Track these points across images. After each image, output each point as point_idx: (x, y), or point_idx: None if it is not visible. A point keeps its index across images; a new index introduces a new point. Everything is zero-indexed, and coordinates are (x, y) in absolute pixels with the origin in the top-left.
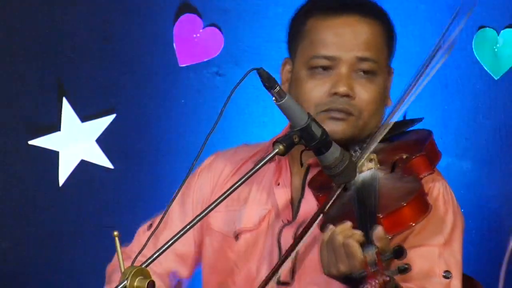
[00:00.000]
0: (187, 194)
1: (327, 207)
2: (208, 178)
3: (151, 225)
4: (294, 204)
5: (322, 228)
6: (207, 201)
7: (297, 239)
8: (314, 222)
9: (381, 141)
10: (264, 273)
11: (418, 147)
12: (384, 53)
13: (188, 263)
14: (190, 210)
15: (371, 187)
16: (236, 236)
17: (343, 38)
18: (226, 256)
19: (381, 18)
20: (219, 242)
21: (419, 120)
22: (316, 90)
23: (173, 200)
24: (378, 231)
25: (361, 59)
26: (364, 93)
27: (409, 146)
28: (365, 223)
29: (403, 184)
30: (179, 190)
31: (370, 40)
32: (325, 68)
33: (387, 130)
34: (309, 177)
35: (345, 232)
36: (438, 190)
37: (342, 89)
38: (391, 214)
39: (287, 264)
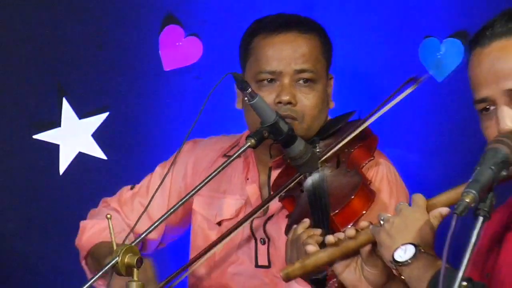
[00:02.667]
0: (168, 169)
1: (283, 191)
2: (190, 156)
3: (133, 186)
4: (264, 199)
5: (286, 231)
6: (184, 177)
7: (250, 214)
8: (267, 203)
9: (323, 139)
10: (242, 258)
11: (356, 139)
12: (321, 63)
13: (159, 229)
14: (168, 183)
15: (320, 188)
16: (219, 223)
17: (283, 54)
18: (209, 239)
19: (317, 33)
20: (203, 225)
21: (352, 113)
22: (262, 94)
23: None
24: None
25: (300, 71)
26: (305, 99)
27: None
28: (320, 223)
29: (348, 179)
30: (165, 175)
31: (307, 53)
32: (270, 80)
33: (357, 131)
34: (272, 176)
35: (307, 232)
36: (382, 173)
37: (284, 98)
38: (342, 210)
39: (264, 250)
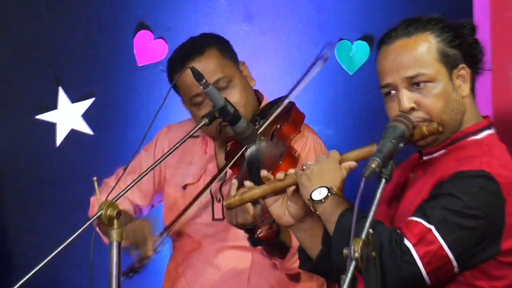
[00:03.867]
0: (150, 151)
1: (232, 163)
2: (165, 141)
3: (126, 167)
4: (219, 167)
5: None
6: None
7: (213, 179)
8: (224, 170)
9: (263, 118)
10: (203, 216)
11: (286, 117)
12: (228, 66)
13: (148, 197)
14: (152, 161)
15: (256, 156)
16: (184, 187)
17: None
18: (177, 202)
19: (214, 47)
20: (172, 189)
21: (285, 97)
22: (201, 113)
23: (136, 153)
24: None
25: (217, 81)
26: (232, 98)
27: (281, 118)
28: (255, 183)
29: (277, 149)
30: (139, 147)
31: (214, 67)
32: (199, 101)
33: (281, 108)
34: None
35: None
36: (310, 144)
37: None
38: (272, 173)
39: (219, 206)
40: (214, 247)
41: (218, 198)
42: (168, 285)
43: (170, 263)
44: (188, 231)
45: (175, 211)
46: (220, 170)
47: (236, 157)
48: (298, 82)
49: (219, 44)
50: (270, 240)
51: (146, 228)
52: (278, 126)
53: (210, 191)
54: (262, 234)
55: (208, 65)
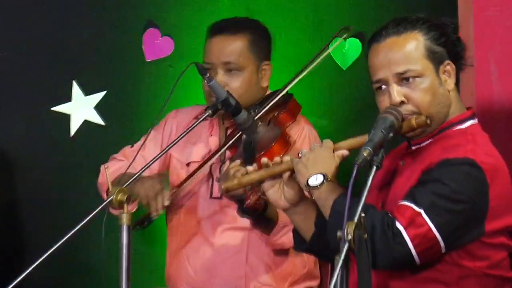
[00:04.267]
0: (159, 131)
1: (228, 144)
2: (173, 123)
3: (133, 145)
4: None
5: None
6: (172, 137)
7: (212, 155)
8: (222, 149)
9: (262, 106)
10: (202, 191)
11: (283, 107)
12: (246, 57)
13: (154, 172)
14: (160, 141)
15: (251, 139)
16: (188, 164)
17: (215, 50)
18: (181, 177)
19: (243, 33)
20: (177, 165)
21: (283, 89)
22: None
23: (148, 134)
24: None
25: (228, 62)
26: (233, 83)
27: (279, 106)
28: (248, 162)
29: (272, 133)
30: (150, 130)
31: (232, 49)
32: (208, 69)
33: (277, 97)
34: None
35: (235, 167)
36: (305, 133)
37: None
38: (264, 153)
39: (217, 186)
40: (213, 227)
41: (217, 178)
42: (171, 264)
43: (171, 242)
44: (188, 205)
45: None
46: (217, 150)
47: (233, 140)
48: (294, 77)
49: (252, 36)
50: (256, 210)
51: (156, 186)
52: (276, 114)
53: (211, 171)
54: (250, 204)
55: (230, 45)
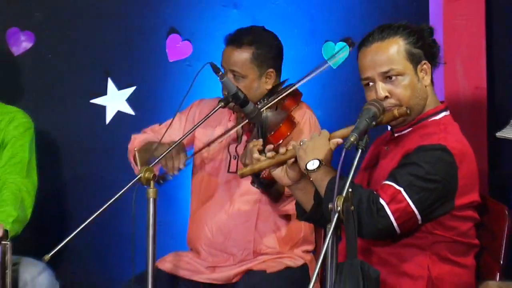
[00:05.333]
0: (184, 114)
1: (238, 126)
2: (197, 109)
3: (160, 124)
4: (239, 133)
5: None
6: (195, 121)
7: (228, 130)
8: (236, 127)
9: (269, 96)
10: (221, 166)
11: (287, 94)
12: (249, 67)
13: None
14: (184, 122)
15: (262, 122)
16: (209, 144)
17: (225, 58)
18: (203, 155)
19: (249, 46)
20: (200, 145)
21: (285, 81)
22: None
23: (174, 117)
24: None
25: (233, 70)
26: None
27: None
28: (263, 139)
29: (280, 116)
30: (176, 114)
31: (236, 60)
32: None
33: (284, 94)
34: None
35: (254, 143)
36: (306, 117)
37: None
38: (275, 133)
39: (234, 162)
40: (228, 197)
41: (234, 156)
42: (192, 228)
43: (193, 210)
44: (208, 178)
45: (200, 165)
46: (228, 130)
47: (242, 124)
48: (308, 75)
49: (257, 49)
50: (270, 180)
51: (173, 150)
52: (282, 101)
53: (228, 150)
54: (265, 175)
55: (235, 57)
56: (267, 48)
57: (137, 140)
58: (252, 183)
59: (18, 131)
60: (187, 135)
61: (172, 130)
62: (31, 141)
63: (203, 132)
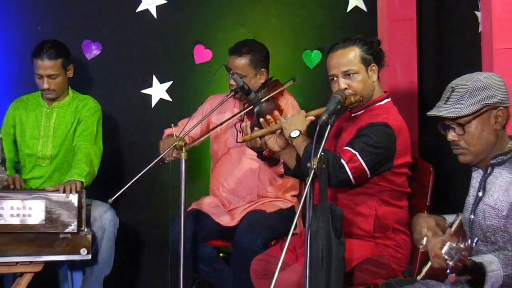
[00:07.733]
0: (201, 108)
1: (245, 111)
2: (209, 104)
3: (189, 117)
4: (242, 116)
5: (251, 128)
6: (207, 110)
7: (237, 113)
8: (242, 112)
9: (263, 89)
10: (231, 137)
11: (275, 89)
12: (248, 70)
13: (198, 132)
14: (201, 115)
15: (259, 110)
16: (222, 123)
17: (230, 64)
18: (217, 132)
19: (247, 54)
20: (215, 124)
21: (272, 77)
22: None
23: (196, 112)
24: None
25: (238, 72)
26: (239, 83)
27: (272, 89)
28: (258, 123)
29: (271, 106)
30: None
31: (238, 65)
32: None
33: (282, 88)
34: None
35: (248, 125)
36: (289, 102)
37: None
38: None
39: (240, 135)
40: (238, 158)
41: (239, 131)
42: (213, 180)
43: (214, 166)
44: (224, 145)
45: (215, 142)
46: (234, 114)
47: (246, 110)
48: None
49: (252, 56)
50: (270, 157)
51: (170, 142)
52: (272, 93)
53: (235, 126)
54: (266, 153)
55: (236, 63)
56: (259, 54)
57: (166, 133)
58: (258, 157)
59: (90, 112)
60: (207, 116)
61: (194, 122)
62: (98, 119)
63: (216, 117)
